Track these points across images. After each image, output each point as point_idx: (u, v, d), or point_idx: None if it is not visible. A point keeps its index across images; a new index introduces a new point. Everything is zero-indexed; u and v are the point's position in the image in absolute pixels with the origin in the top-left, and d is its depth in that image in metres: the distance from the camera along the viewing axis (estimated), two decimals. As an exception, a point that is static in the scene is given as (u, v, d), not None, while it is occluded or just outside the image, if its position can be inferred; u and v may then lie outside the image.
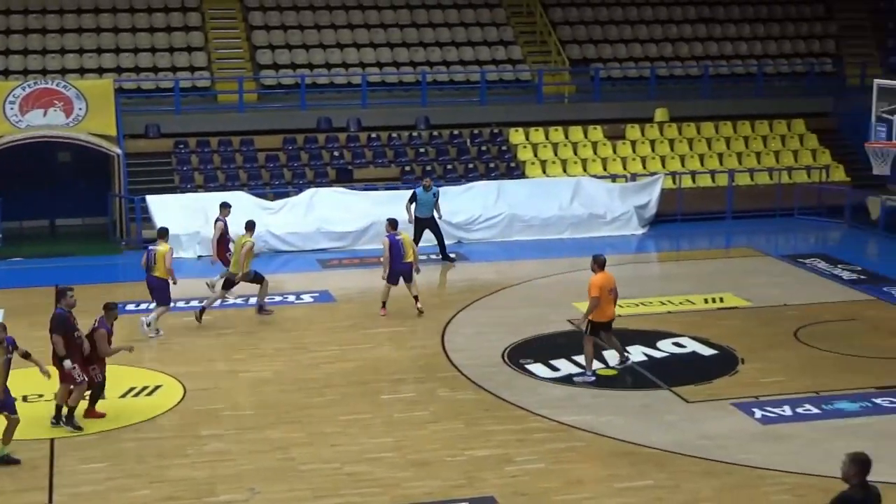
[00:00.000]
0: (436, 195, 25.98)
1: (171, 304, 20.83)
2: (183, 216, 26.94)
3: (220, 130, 30.82)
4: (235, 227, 22.73)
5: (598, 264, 18.30)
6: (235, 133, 30.81)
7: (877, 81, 22.34)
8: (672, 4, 37.17)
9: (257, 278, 21.68)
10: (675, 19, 36.79)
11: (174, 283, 20.47)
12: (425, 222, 25.97)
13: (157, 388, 18.03)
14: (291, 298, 23.10)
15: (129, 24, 33.63)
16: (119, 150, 28.69)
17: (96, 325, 16.52)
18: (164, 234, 21.15)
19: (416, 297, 21.61)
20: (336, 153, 30.77)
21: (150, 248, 20.67)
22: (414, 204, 25.79)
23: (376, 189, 29.08)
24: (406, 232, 22.50)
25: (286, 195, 28.40)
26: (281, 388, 17.97)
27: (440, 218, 26.20)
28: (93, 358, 16.39)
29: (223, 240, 22.99)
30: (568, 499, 14.18)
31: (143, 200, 27.38)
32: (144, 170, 29.57)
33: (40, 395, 17.08)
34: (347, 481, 14.63)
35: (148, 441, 15.90)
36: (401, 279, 21.57)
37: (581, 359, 18.91)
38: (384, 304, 21.69)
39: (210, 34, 33.92)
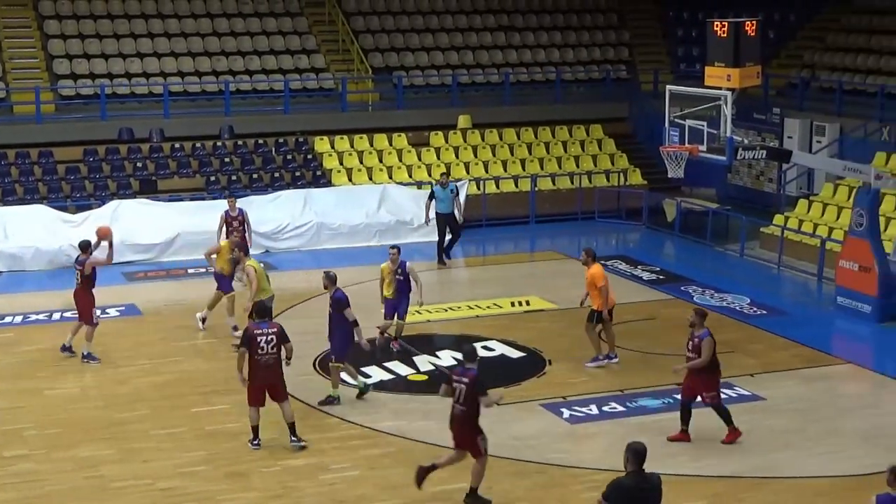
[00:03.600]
0: (453, 191, 26.93)
1: None
2: (-19, 231, 26.26)
3: (18, 142, 29.91)
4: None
5: (592, 256, 19.54)
6: (33, 145, 29.96)
7: (669, 87, 23.02)
8: (472, 13, 37.72)
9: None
10: (476, 28, 37.33)
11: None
12: (446, 218, 26.81)
13: (-42, 409, 17.51)
14: (97, 312, 22.61)
15: (-83, 33, 32.48)
16: None
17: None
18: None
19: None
20: (139, 164, 30.24)
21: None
22: (433, 202, 26.81)
23: (181, 200, 28.73)
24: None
25: (88, 208, 27.78)
26: (89, 404, 17.64)
27: (461, 220, 27.37)
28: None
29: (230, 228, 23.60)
30: (384, 504, 14.33)
31: (-61, 216, 26.50)
32: (-62, 184, 28.60)
33: None
34: (161, 497, 14.49)
35: (-50, 465, 15.44)
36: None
37: (391, 364, 19.23)
38: None
39: (4, 43, 32.94)
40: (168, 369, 19.29)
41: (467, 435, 14.21)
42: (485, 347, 20.41)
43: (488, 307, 23.15)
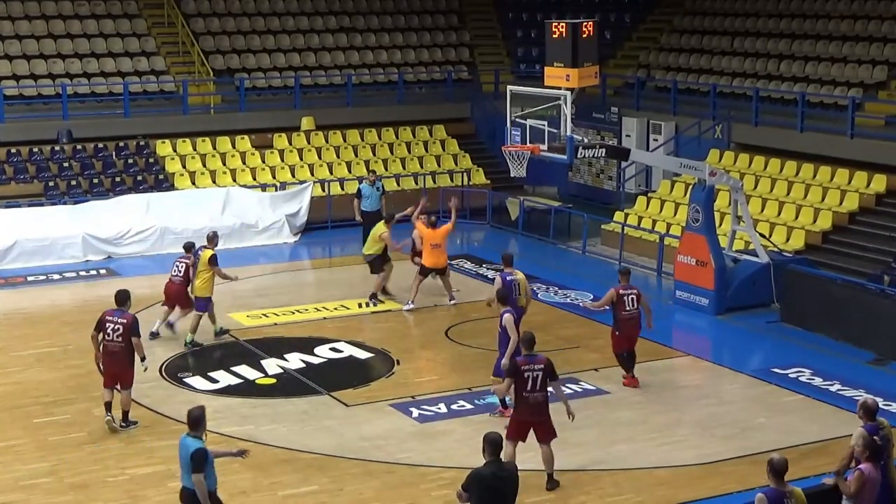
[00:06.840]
0: (380, 189, 26.97)
1: None
2: None
3: None
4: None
5: (430, 224, 23.10)
6: None
7: (510, 88, 23.30)
8: (313, 14, 37.62)
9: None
10: (317, 29, 37.23)
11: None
12: (372, 217, 26.31)
13: None
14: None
15: None
16: None
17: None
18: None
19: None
20: (-27, 170, 29.48)
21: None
22: (358, 200, 26.88)
23: (19, 206, 28.05)
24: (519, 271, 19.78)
25: (-80, 216, 26.99)
26: (-75, 419, 17.16)
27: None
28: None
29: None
30: (234, 510, 14.26)
31: None
32: None
33: None
34: (3, 511, 14.19)
35: None
36: None
37: (239, 369, 19.14)
38: None
39: None
40: (7, 379, 18.86)
41: (549, 420, 14.71)
42: (333, 349, 20.46)
43: (336, 309, 23.16)
